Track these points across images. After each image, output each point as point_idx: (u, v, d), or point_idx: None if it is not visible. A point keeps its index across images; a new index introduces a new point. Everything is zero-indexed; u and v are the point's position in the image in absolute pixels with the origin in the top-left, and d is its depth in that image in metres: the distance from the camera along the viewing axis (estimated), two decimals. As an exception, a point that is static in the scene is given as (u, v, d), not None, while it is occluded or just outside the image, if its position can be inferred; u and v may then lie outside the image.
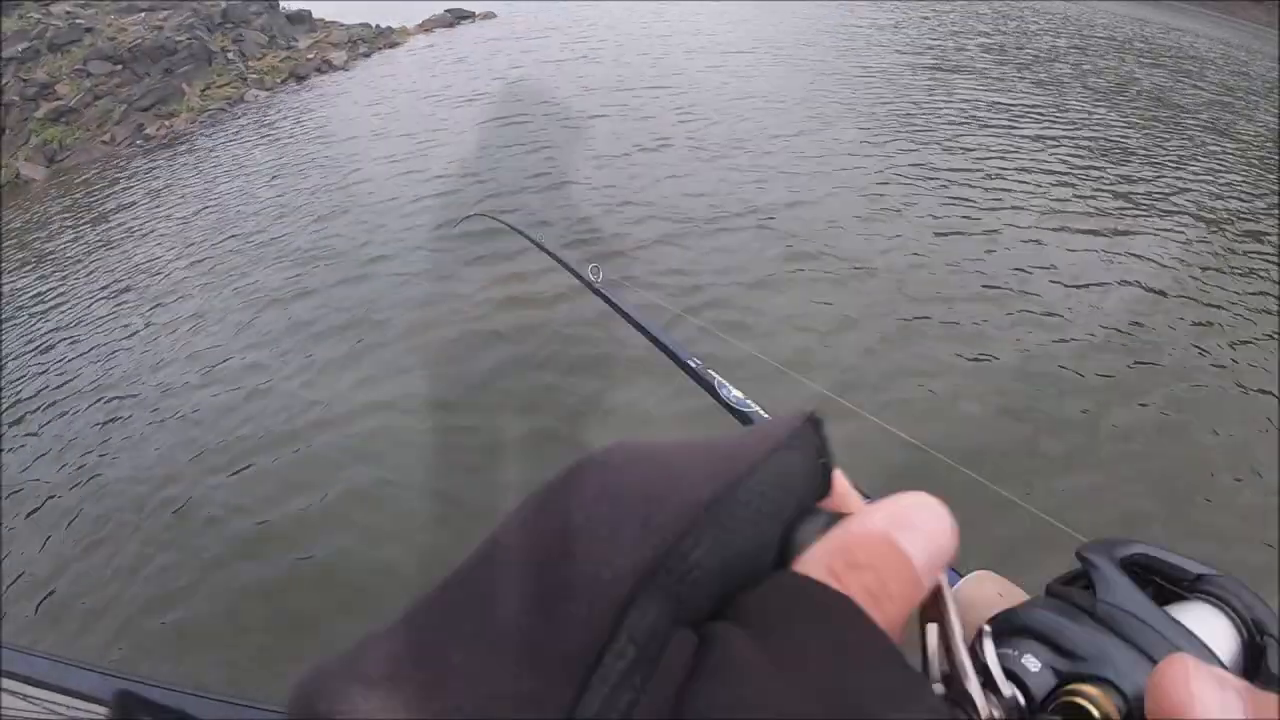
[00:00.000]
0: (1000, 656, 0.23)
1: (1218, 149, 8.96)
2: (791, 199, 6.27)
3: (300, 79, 14.41)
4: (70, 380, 5.00)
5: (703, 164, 7.18)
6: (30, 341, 5.86)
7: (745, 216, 5.91)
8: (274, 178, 8.78)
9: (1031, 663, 0.25)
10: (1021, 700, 0.24)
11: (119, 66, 13.12)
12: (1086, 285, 5.05)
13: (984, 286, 4.90)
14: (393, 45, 16.52)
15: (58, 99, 12.45)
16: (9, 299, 6.90)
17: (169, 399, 4.40)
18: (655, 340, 1.09)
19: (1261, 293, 5.29)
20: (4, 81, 12.44)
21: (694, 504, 0.17)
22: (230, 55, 14.37)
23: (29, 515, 3.74)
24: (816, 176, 6.77)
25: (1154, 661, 0.24)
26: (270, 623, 2.87)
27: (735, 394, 0.92)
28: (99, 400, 4.61)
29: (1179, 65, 15.12)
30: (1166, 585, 0.29)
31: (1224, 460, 3.56)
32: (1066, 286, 5.00)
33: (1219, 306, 5.01)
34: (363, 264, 5.72)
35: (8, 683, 1.55)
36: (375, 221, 6.58)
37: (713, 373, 0.98)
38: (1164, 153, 8.48)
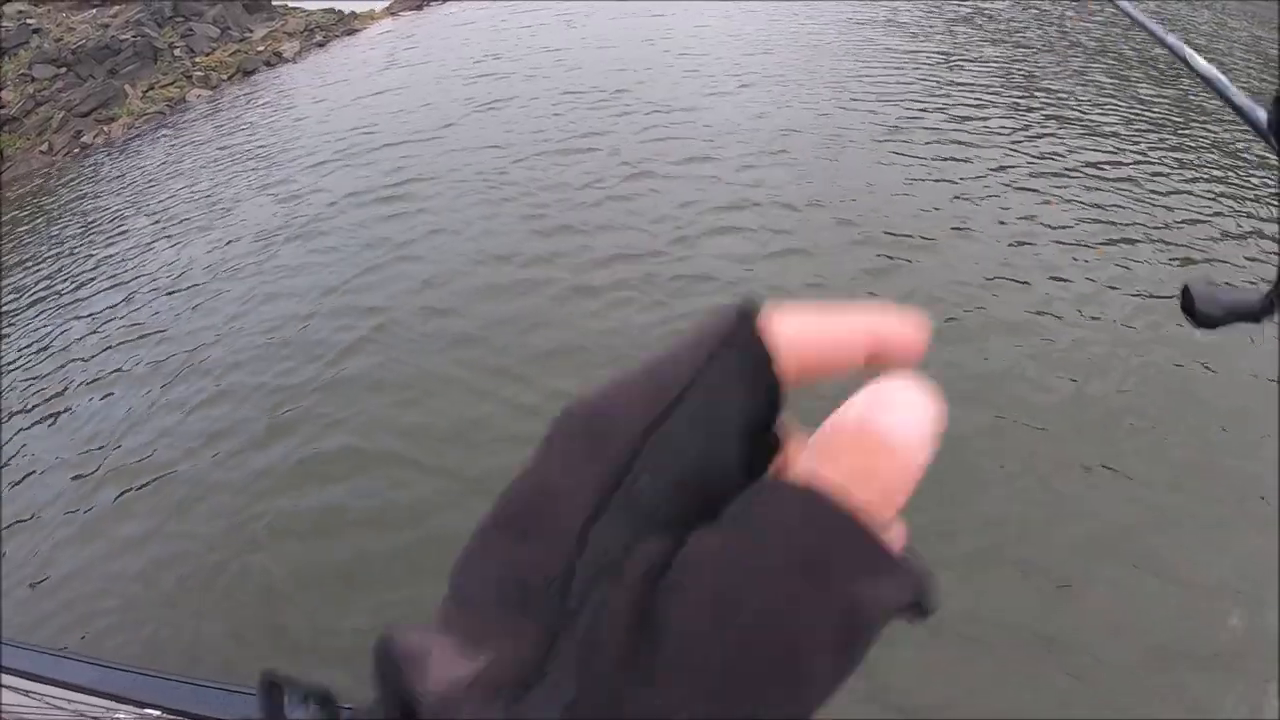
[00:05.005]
0: None
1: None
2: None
3: (248, 74, 14.12)
4: None
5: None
6: None
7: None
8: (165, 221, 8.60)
9: None
10: None
11: (63, 69, 13.07)
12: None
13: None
14: (352, 32, 16.02)
15: (1, 107, 12.50)
16: None
17: None
18: None
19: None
20: (-51, 91, 12.54)
21: (633, 434, 0.20)
22: (178, 52, 14.17)
23: None
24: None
25: None
26: None
27: None
28: None
29: None
30: None
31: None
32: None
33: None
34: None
35: (8, 679, 1.52)
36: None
37: None
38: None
